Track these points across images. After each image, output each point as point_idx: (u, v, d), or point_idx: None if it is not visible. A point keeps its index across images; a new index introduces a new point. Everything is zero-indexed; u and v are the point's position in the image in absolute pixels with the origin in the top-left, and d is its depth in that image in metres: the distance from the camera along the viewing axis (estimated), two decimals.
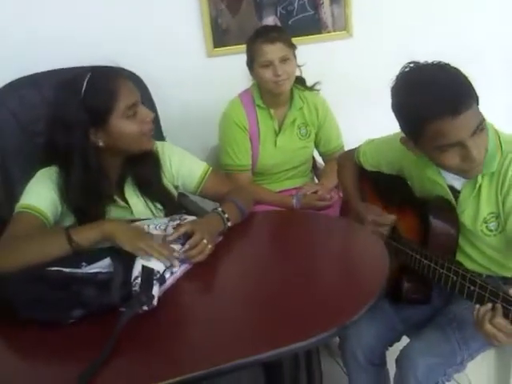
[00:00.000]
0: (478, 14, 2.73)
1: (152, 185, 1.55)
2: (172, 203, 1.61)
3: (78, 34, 2.10)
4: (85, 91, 1.38)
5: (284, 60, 1.96)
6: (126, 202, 1.54)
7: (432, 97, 1.24)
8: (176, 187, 1.65)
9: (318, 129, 2.18)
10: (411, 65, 1.35)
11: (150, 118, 1.46)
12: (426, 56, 2.20)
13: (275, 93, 2.03)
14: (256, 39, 1.98)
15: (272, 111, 2.10)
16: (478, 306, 1.20)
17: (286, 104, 2.11)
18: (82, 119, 1.38)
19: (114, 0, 2.19)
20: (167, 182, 1.61)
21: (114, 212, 1.50)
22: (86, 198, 1.41)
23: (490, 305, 1.17)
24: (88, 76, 1.41)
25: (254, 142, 2.12)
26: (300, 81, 2.14)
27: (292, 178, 2.24)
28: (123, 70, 1.63)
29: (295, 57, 2.03)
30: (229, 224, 1.47)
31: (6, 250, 1.26)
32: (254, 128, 2.10)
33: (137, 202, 1.55)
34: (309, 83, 2.17)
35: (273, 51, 1.94)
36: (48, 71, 1.91)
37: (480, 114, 1.28)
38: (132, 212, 1.53)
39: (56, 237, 1.28)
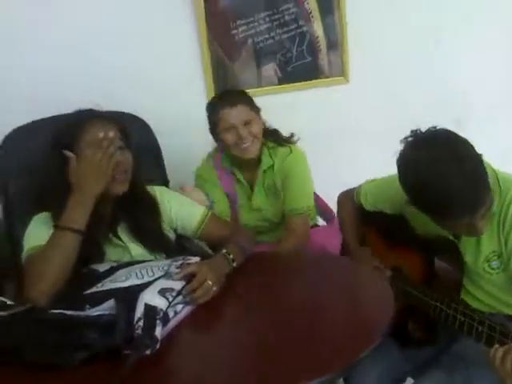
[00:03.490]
0: (466, 59, 2.81)
1: (148, 233, 1.56)
2: (172, 248, 1.61)
3: (80, 78, 2.17)
4: (55, 132, 1.46)
5: (247, 122, 1.89)
6: (124, 243, 1.54)
7: (451, 202, 1.24)
8: (175, 230, 1.66)
9: (283, 186, 2.00)
10: (419, 142, 1.33)
11: (119, 164, 1.44)
12: (420, 100, 2.26)
13: (243, 159, 1.95)
14: (217, 104, 1.94)
15: (238, 174, 2.03)
16: (495, 346, 1.19)
17: (254, 166, 2.01)
18: (56, 157, 1.43)
19: (118, 51, 2.27)
20: (165, 225, 1.62)
21: (112, 253, 1.51)
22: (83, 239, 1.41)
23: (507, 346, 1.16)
24: (70, 113, 1.49)
25: (232, 204, 2.06)
26: (272, 134, 2.04)
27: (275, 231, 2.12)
28: (132, 116, 1.65)
29: (260, 117, 1.96)
30: (234, 264, 1.47)
31: (32, 277, 1.31)
32: (231, 189, 2.05)
33: (135, 247, 1.55)
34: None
35: (235, 115, 1.88)
36: (52, 116, 1.92)
37: (491, 198, 1.31)
38: (131, 253, 1.54)
39: (52, 236, 1.34)
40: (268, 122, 2.05)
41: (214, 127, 1.95)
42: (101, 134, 1.43)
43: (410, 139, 1.35)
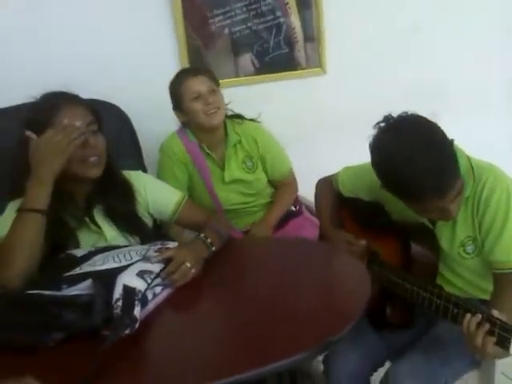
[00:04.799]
0: (440, 48, 2.86)
1: (123, 217, 1.54)
2: (147, 233, 1.59)
3: (53, 64, 2.13)
4: (27, 113, 1.43)
5: (211, 91, 1.98)
6: (99, 227, 1.52)
7: (419, 185, 1.26)
8: (152, 215, 1.64)
9: (261, 158, 2.15)
10: (389, 127, 1.35)
11: (89, 143, 1.42)
12: (396, 91, 2.28)
13: (208, 127, 2.01)
14: (179, 76, 2.02)
15: (207, 149, 2.07)
16: (467, 316, 1.20)
17: (221, 142, 2.09)
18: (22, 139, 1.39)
19: (91, 35, 2.23)
20: (142, 210, 1.60)
21: (86, 237, 1.49)
22: (53, 223, 1.39)
23: (479, 316, 1.18)
24: (43, 94, 1.44)
25: (207, 179, 2.09)
26: (237, 116, 2.15)
27: (257, 212, 2.20)
28: (108, 104, 1.64)
29: (221, 94, 2.04)
30: (213, 249, 1.47)
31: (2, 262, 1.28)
32: (202, 163, 2.08)
33: (110, 230, 1.53)
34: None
35: (199, 83, 1.97)
36: (26, 103, 1.89)
37: (461, 182, 1.33)
38: (106, 238, 1.52)
39: (15, 220, 1.32)
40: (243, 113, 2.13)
41: (180, 101, 2.00)
42: (72, 118, 1.40)
43: (381, 124, 1.37)
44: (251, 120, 2.16)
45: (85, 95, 1.52)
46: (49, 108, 1.42)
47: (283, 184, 2.23)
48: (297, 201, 2.30)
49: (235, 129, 2.11)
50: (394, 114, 1.37)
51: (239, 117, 2.15)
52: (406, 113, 1.37)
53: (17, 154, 1.43)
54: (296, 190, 2.27)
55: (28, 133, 1.37)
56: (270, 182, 2.23)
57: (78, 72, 2.12)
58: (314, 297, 1.33)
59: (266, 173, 2.18)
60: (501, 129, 3.06)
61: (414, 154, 1.25)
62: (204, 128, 2.02)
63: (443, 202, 1.31)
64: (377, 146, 1.36)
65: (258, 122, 2.16)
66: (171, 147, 2.08)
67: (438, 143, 1.29)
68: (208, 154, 2.08)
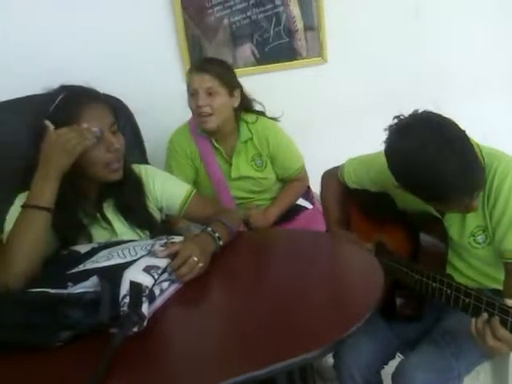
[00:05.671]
0: (443, 34, 2.83)
1: (134, 210, 1.52)
2: (156, 227, 1.57)
3: (57, 57, 2.10)
4: (52, 109, 1.36)
5: (210, 93, 1.88)
6: (109, 224, 1.49)
7: (449, 188, 1.24)
8: (160, 209, 1.62)
9: (271, 159, 2.08)
10: (406, 129, 1.29)
11: (114, 147, 1.38)
12: (398, 78, 2.23)
13: (202, 128, 1.96)
14: (190, 68, 1.98)
15: (214, 142, 2.02)
16: (473, 319, 1.19)
17: (232, 136, 2.03)
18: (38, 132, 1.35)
19: (92, 27, 2.20)
20: (151, 204, 1.58)
21: (97, 233, 1.46)
22: (65, 218, 1.37)
23: (485, 315, 1.16)
24: (60, 96, 1.38)
25: (213, 173, 2.05)
26: (255, 112, 2.07)
27: (262, 206, 2.16)
28: (107, 95, 1.60)
29: (230, 95, 1.94)
30: (220, 243, 1.44)
31: (3, 261, 1.25)
32: (210, 157, 2.03)
33: (120, 226, 1.51)
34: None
35: (198, 80, 1.88)
36: (28, 96, 1.87)
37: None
38: (117, 234, 1.49)
39: (19, 216, 1.29)
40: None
41: (188, 92, 1.95)
42: (93, 119, 1.35)
43: (394, 126, 1.33)
44: (271, 118, 2.09)
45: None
46: (71, 107, 1.36)
47: (293, 180, 2.18)
48: (309, 194, 2.27)
49: (248, 125, 2.03)
50: (404, 113, 1.33)
51: (257, 112, 2.07)
52: (417, 110, 1.32)
53: (31, 145, 1.38)
54: (304, 186, 2.23)
55: (47, 122, 1.33)
56: (282, 181, 2.18)
57: (77, 67, 2.09)
58: (327, 290, 1.30)
59: (277, 173, 2.13)
60: (504, 115, 3.04)
61: (441, 158, 1.22)
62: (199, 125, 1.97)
63: (471, 199, 1.29)
64: (395, 151, 1.31)
65: (276, 120, 2.09)
66: (179, 141, 2.05)
67: (460, 142, 1.25)
68: (217, 148, 2.04)
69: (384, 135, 1.35)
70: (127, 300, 1.11)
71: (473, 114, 2.57)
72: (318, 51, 2.62)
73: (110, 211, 1.50)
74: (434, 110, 1.33)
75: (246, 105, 2.04)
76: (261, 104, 2.09)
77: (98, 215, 1.47)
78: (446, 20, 2.78)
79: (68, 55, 2.15)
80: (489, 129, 2.50)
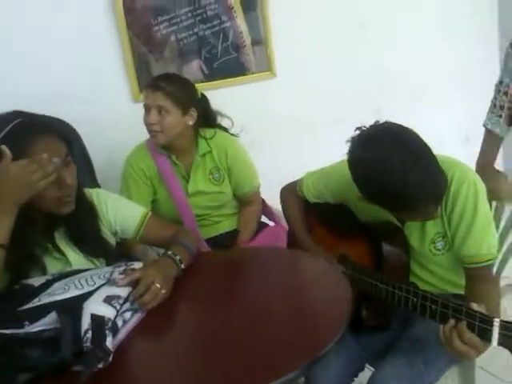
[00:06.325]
0: (387, 44, 2.91)
1: (87, 239, 1.45)
2: (112, 254, 1.51)
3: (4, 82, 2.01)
4: (5, 134, 1.27)
5: (160, 111, 1.87)
6: (62, 254, 1.42)
7: (415, 198, 1.25)
8: (115, 233, 1.56)
9: (229, 171, 2.06)
10: (369, 141, 1.30)
11: (66, 183, 1.32)
12: (345, 89, 2.25)
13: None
14: (147, 83, 1.96)
15: (173, 157, 2.00)
16: (441, 326, 1.20)
17: (190, 151, 2.01)
18: None
19: (37, 48, 2.12)
20: (105, 229, 1.52)
21: (50, 264, 1.38)
22: (16, 250, 1.28)
23: (453, 321, 1.17)
24: (15, 122, 1.29)
25: (174, 190, 2.00)
26: (215, 126, 2.07)
27: (221, 222, 2.14)
28: (53, 118, 1.53)
29: (184, 113, 1.91)
30: (182, 266, 1.40)
31: None
32: (169, 174, 2.00)
33: (74, 255, 1.43)
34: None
35: (150, 97, 1.87)
36: None
37: None
38: (71, 264, 1.41)
39: None
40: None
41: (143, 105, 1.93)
42: (47, 152, 1.26)
43: (356, 138, 1.33)
44: (232, 134, 2.08)
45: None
46: (25, 134, 1.27)
47: (246, 202, 2.15)
48: (267, 210, 2.25)
49: (207, 140, 2.02)
50: (366, 125, 1.33)
51: (219, 127, 2.07)
52: (378, 121, 1.33)
53: None
54: (259, 209, 2.20)
55: (3, 147, 1.23)
56: (237, 198, 2.15)
57: (22, 86, 2.02)
58: (294, 312, 1.26)
59: (232, 188, 2.09)
60: (449, 120, 3.14)
61: (406, 168, 1.22)
62: None
63: (436, 207, 1.31)
64: (361, 162, 1.31)
65: (235, 136, 2.09)
66: (136, 161, 2.00)
67: (424, 152, 1.27)
68: (177, 164, 2.00)
69: (340, 146, 1.35)
70: (89, 335, 1.05)
71: (417, 121, 2.64)
72: (266, 66, 2.63)
73: (62, 241, 1.43)
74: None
75: (209, 120, 2.04)
76: (229, 118, 2.08)
77: (50, 246, 1.40)
78: (390, 32, 2.86)
79: (15, 80, 2.06)
80: (434, 135, 2.56)
